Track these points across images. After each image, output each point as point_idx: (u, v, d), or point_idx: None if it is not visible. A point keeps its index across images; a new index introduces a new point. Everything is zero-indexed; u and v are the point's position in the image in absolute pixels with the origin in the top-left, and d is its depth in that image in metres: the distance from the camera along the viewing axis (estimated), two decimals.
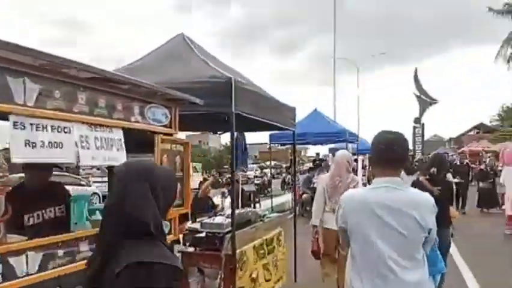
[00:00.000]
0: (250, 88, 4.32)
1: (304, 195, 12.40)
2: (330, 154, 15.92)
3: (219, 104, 3.75)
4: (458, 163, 13.08)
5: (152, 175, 1.40)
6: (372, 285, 2.03)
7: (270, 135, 11.70)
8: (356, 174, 7.05)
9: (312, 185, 12.07)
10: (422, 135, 27.76)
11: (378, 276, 2.02)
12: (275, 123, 5.10)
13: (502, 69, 30.92)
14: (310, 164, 18.15)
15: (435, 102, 29.45)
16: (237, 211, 4.34)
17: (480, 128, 40.47)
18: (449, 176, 6.37)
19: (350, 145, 12.72)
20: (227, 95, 3.76)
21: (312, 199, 11.12)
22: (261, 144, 20.71)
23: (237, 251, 3.89)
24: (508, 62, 30.38)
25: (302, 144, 15.36)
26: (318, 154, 20.96)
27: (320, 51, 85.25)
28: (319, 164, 14.31)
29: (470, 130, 41.44)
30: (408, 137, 29.91)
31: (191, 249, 4.08)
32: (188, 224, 4.58)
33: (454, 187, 5.24)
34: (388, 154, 2.07)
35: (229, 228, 3.99)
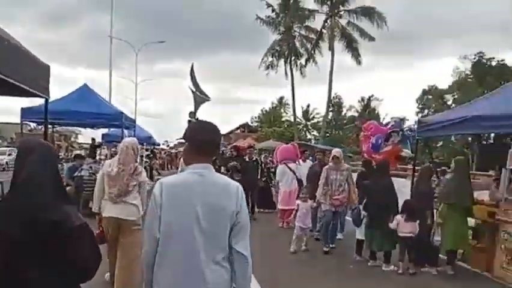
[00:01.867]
0: None
1: (68, 188, 10.16)
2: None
3: None
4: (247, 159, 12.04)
5: None
6: (176, 281, 2.02)
7: (22, 110, 9.05)
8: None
9: (78, 174, 9.98)
10: None
11: (183, 272, 2.00)
12: (18, 84, 3.29)
13: (263, 75, 34.86)
14: (81, 151, 15.60)
15: (208, 100, 30.67)
16: None
17: (245, 127, 44.88)
18: None
19: (126, 131, 11.18)
20: None
21: (77, 191, 9.48)
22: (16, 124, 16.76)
23: None
24: (268, 68, 34.58)
25: (64, 124, 12.82)
26: (93, 140, 18.06)
27: (98, 30, 78.69)
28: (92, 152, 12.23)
29: (237, 128, 45.39)
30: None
31: None
32: None
33: None
34: (201, 142, 2.13)
35: None
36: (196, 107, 30.91)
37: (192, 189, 2.03)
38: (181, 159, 16.42)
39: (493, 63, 33.26)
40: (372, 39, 31.99)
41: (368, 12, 31.47)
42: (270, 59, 35.13)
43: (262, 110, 52.07)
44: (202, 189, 2.03)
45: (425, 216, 6.28)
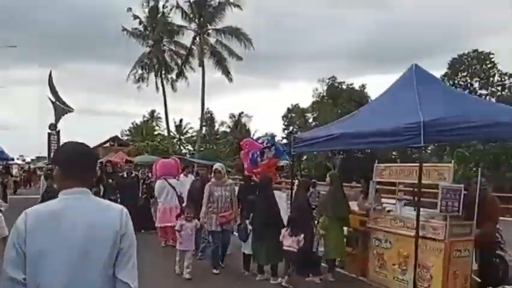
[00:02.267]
0: None
1: None
2: None
3: None
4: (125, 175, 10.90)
5: None
6: None
7: None
8: None
9: None
10: (58, 142, 25.82)
11: None
12: None
13: (133, 87, 33.55)
14: None
15: (70, 111, 28.44)
16: None
17: (115, 140, 42.50)
18: None
19: None
20: None
21: None
22: None
23: None
24: (138, 81, 33.50)
25: None
26: None
27: None
28: None
29: (106, 142, 42.70)
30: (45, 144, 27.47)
31: None
32: None
33: None
34: (73, 165, 1.94)
35: None
36: (57, 119, 28.38)
37: (65, 216, 1.81)
38: (42, 177, 14.79)
39: (344, 87, 37.42)
40: (240, 58, 33.06)
41: (235, 33, 32.53)
42: (140, 71, 34.09)
43: (133, 123, 50.15)
44: (77, 216, 1.82)
45: (309, 229, 6.59)
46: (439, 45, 54.01)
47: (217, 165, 7.33)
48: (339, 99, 35.51)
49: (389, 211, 6.73)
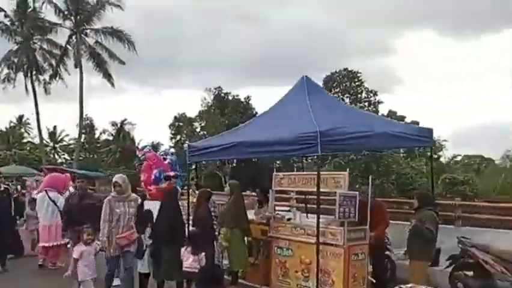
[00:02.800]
0: None
1: None
2: None
3: None
4: None
5: None
6: None
7: None
8: None
9: None
10: None
11: None
12: None
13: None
14: None
15: None
16: None
17: None
18: None
19: None
20: None
21: None
22: None
23: None
24: (4, 81, 29.83)
25: None
26: None
27: None
28: None
29: None
30: None
31: None
32: None
33: None
34: None
35: None
36: None
37: None
38: None
39: (230, 97, 38.07)
40: (122, 62, 31.44)
41: (116, 34, 30.81)
42: (6, 70, 30.34)
43: None
44: None
45: (211, 245, 6.37)
46: (314, 63, 58.43)
47: (118, 177, 6.20)
48: (225, 110, 36.00)
49: (289, 219, 6.86)
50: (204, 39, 65.70)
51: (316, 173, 6.14)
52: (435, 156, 32.31)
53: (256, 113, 37.50)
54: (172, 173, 8.37)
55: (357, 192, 6.01)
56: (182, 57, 67.14)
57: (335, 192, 5.95)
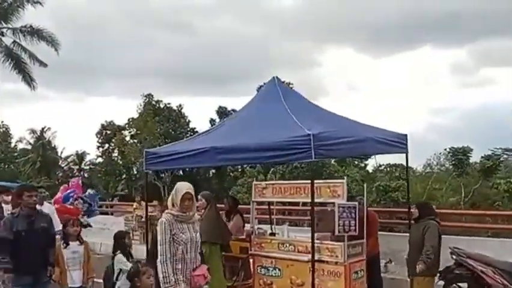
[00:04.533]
0: None
1: None
2: None
3: None
4: None
5: None
6: None
7: None
8: None
9: None
10: None
11: None
12: None
13: None
14: None
15: None
16: None
17: None
18: None
19: None
20: None
21: None
22: None
23: None
24: None
25: None
26: None
27: None
28: None
29: None
30: None
31: None
32: None
33: None
34: None
35: None
36: None
37: None
38: None
39: (161, 105, 36.23)
40: (44, 64, 28.43)
41: (38, 34, 27.83)
42: None
43: None
44: None
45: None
46: (246, 72, 58.39)
47: (186, 186, 4.12)
48: (156, 117, 34.35)
49: (272, 234, 6.11)
50: (131, 47, 62.91)
51: (309, 181, 5.46)
52: (363, 165, 33.45)
53: (189, 121, 36.60)
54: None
55: (356, 203, 5.42)
56: (104, 64, 63.76)
57: (331, 203, 5.35)
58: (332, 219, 5.34)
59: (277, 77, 7.09)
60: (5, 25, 28.19)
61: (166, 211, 4.12)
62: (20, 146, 39.66)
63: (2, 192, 6.86)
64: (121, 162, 35.12)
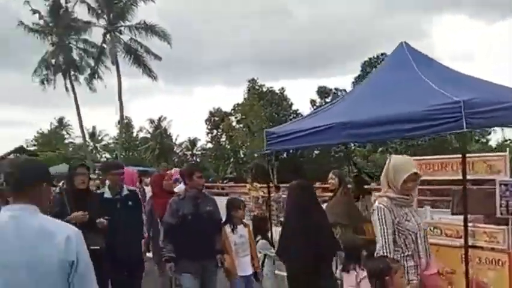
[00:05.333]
0: None
1: None
2: None
3: None
4: None
5: None
6: None
7: None
8: None
9: None
10: None
11: None
12: None
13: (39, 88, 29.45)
14: None
15: None
16: None
17: (21, 151, 37.83)
18: None
19: None
20: None
21: None
22: None
23: None
24: (43, 83, 29.40)
25: None
26: None
27: None
28: None
29: (10, 153, 37.78)
30: None
31: None
32: None
33: None
34: (13, 179, 1.86)
35: None
36: None
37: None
38: None
39: (264, 89, 36.35)
40: (158, 58, 30.57)
41: (152, 29, 29.94)
42: (44, 71, 29.96)
43: (39, 132, 44.92)
44: (15, 234, 1.73)
45: None
46: (344, 52, 56.25)
47: (413, 166, 3.35)
48: (260, 102, 34.74)
49: None
50: (229, 36, 64.84)
51: (461, 156, 4.71)
52: (484, 140, 30.25)
53: (292, 103, 36.31)
54: None
55: None
56: (209, 54, 66.67)
57: (490, 180, 4.55)
58: (482, 198, 4.59)
59: (405, 42, 6.32)
60: (122, 23, 30.75)
61: (379, 194, 3.31)
62: (141, 135, 43.53)
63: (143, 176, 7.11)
64: (228, 147, 36.43)
